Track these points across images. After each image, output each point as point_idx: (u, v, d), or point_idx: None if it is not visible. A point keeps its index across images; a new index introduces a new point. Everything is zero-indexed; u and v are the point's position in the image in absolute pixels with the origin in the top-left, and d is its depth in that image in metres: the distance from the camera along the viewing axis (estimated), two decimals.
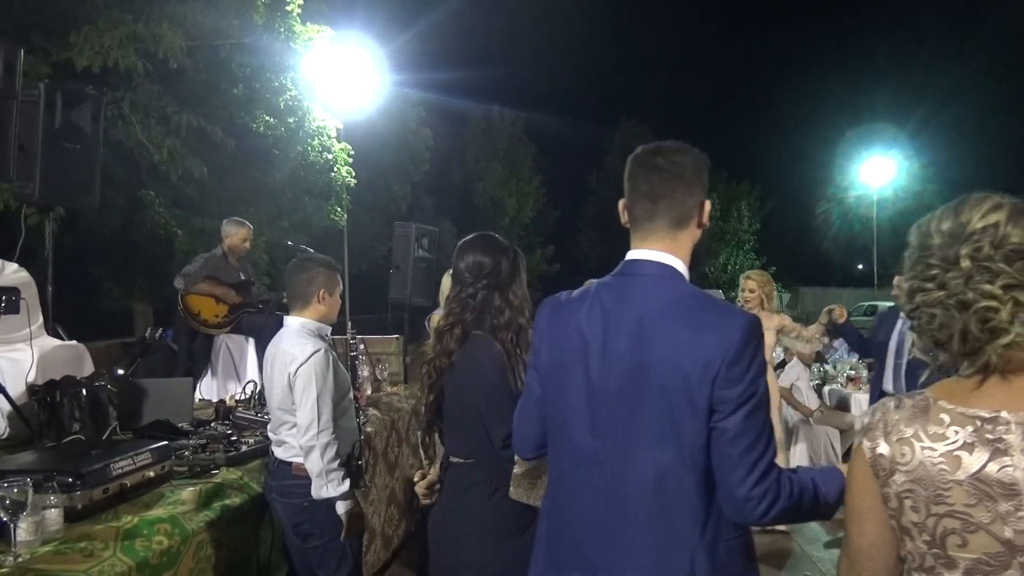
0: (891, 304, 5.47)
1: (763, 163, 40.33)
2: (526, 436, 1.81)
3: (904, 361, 4.68)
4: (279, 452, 2.88)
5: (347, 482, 2.80)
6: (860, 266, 39.07)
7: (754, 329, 1.54)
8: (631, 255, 1.69)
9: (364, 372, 4.55)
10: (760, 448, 1.49)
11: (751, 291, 5.35)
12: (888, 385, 4.82)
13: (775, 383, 5.48)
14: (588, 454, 1.60)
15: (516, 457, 2.00)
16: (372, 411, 4.41)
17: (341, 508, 2.79)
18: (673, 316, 1.56)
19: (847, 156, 35.46)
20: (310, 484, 2.76)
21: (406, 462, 5.03)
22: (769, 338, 5.14)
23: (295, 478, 2.80)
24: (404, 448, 5.03)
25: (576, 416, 1.62)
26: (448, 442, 2.31)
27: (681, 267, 1.65)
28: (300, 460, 2.78)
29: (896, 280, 5.01)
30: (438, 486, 2.34)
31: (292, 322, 2.95)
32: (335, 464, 2.75)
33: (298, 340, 2.85)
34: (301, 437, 2.73)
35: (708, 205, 1.70)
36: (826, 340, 5.73)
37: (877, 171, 32.98)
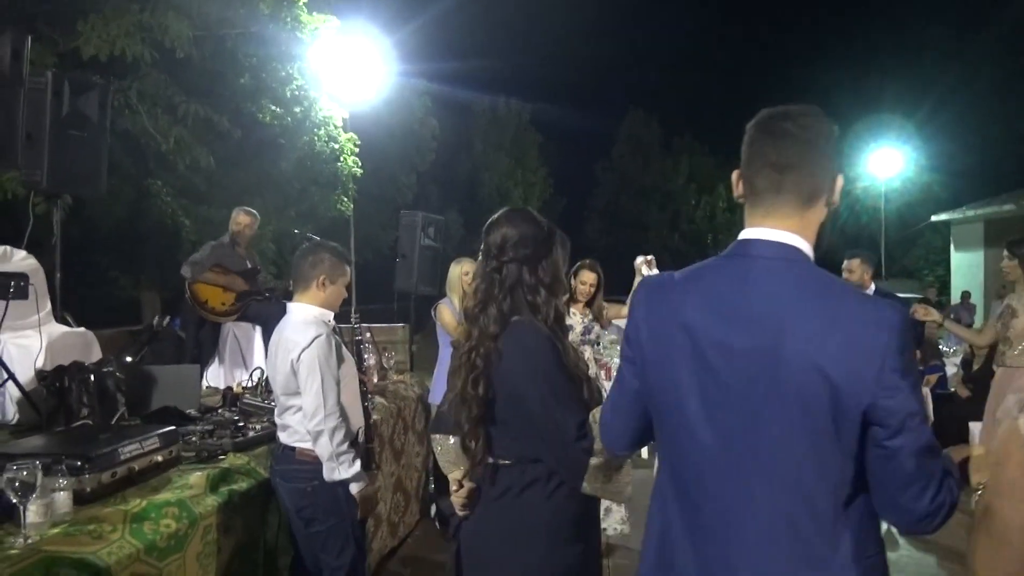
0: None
1: None
2: (621, 432, 1.65)
3: None
4: (283, 437, 2.90)
5: (358, 463, 2.81)
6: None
7: (907, 322, 1.33)
8: (748, 234, 1.47)
9: (371, 360, 4.55)
10: (936, 458, 1.32)
11: None
12: None
13: None
14: (705, 457, 1.42)
15: (594, 449, 1.86)
16: (379, 399, 4.42)
17: (355, 488, 2.81)
18: (805, 306, 1.35)
19: (855, 147, 35.29)
20: (313, 469, 2.77)
21: (412, 450, 5.05)
22: None
23: (299, 463, 2.81)
24: (410, 436, 5.05)
25: (692, 417, 1.42)
26: (495, 443, 2.03)
27: (808, 250, 1.45)
28: (304, 445, 2.80)
29: (847, 264, 5.05)
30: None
31: (294, 308, 2.95)
32: (345, 446, 2.76)
33: (300, 327, 2.85)
34: (309, 423, 2.74)
35: (841, 180, 1.50)
36: None
37: (885, 162, 32.79)
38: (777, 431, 1.33)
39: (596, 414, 1.87)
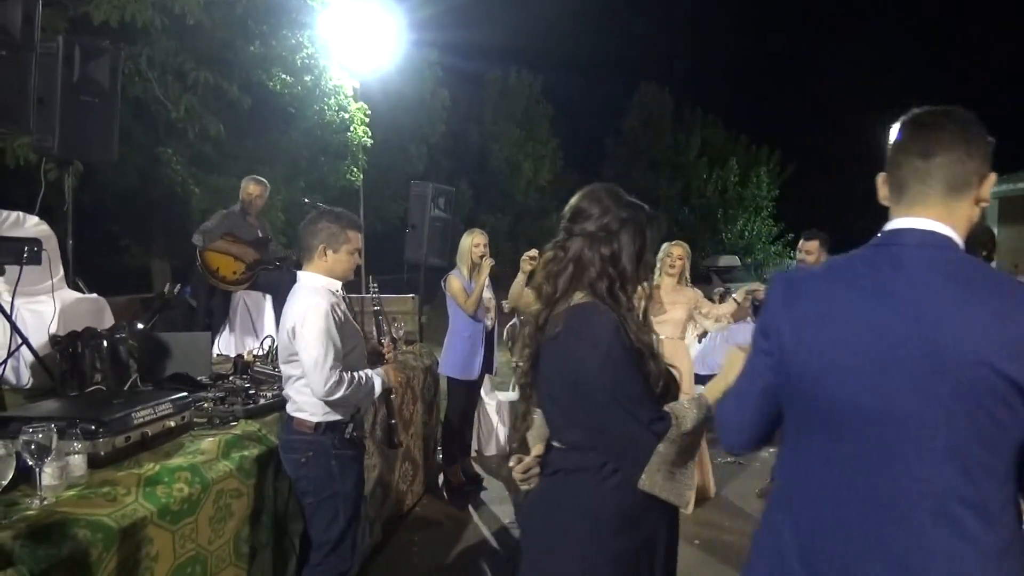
0: None
1: (783, 129, 39.78)
2: (745, 428, 1.58)
3: None
4: (288, 407, 2.93)
5: (357, 377, 2.88)
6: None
7: None
8: (894, 224, 1.45)
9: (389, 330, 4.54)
10: None
11: (680, 258, 4.98)
12: None
13: (686, 357, 5.18)
14: (857, 452, 1.37)
15: (660, 445, 1.78)
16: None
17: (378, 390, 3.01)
18: (962, 296, 1.32)
19: (871, 123, 34.91)
20: (308, 440, 2.83)
21: (420, 420, 5.09)
22: (681, 312, 5.02)
23: (296, 432, 2.85)
24: (419, 406, 5.09)
25: (844, 408, 1.37)
26: (550, 424, 1.99)
27: (958, 239, 1.40)
28: (300, 415, 2.84)
29: (803, 245, 5.05)
30: (536, 470, 2.07)
31: (301, 277, 2.97)
32: (338, 390, 2.77)
33: (301, 295, 2.87)
34: (309, 378, 2.75)
35: (993, 178, 1.44)
36: (745, 319, 5.44)
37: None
38: (939, 419, 1.30)
39: (674, 406, 1.84)
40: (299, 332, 2.76)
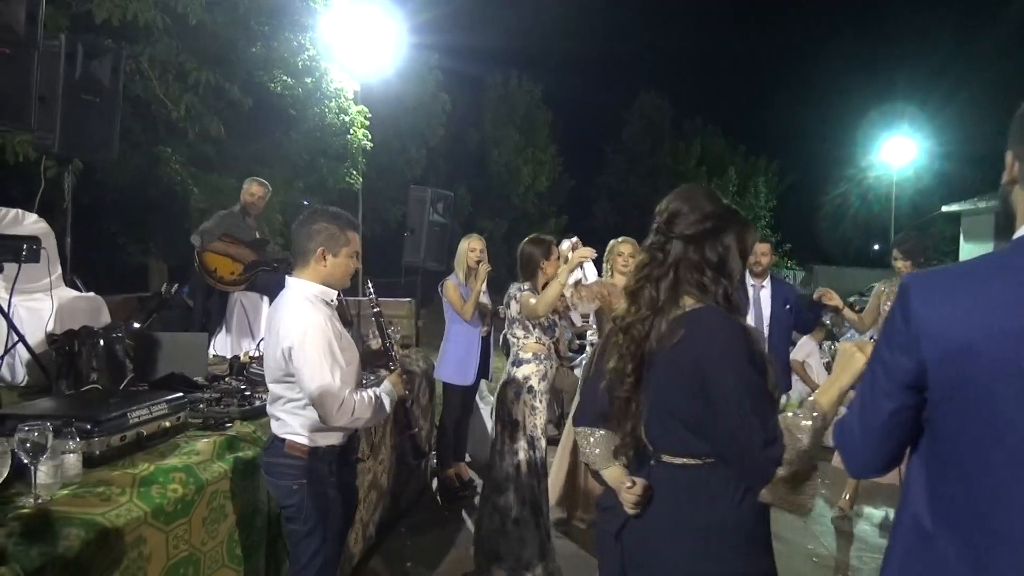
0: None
1: (782, 139, 39.95)
2: (877, 450, 1.42)
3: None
4: (274, 427, 2.64)
5: (373, 394, 2.61)
6: (876, 246, 38.76)
7: None
8: None
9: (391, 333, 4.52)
10: None
11: (631, 256, 4.68)
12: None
13: None
14: (1015, 465, 1.24)
15: (783, 459, 1.65)
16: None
17: (392, 398, 2.73)
18: None
19: (868, 135, 35.03)
20: (301, 466, 2.55)
21: (416, 423, 5.08)
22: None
23: (287, 456, 2.56)
24: (414, 409, 5.09)
25: (1000, 423, 1.24)
26: (661, 436, 1.83)
27: None
28: (294, 438, 2.57)
29: (760, 248, 5.07)
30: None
31: (291, 284, 2.62)
32: (356, 413, 2.51)
33: (294, 308, 2.52)
34: (318, 407, 2.47)
35: None
36: None
37: (898, 150, 32.57)
38: None
39: (788, 420, 1.68)
40: (298, 356, 2.44)
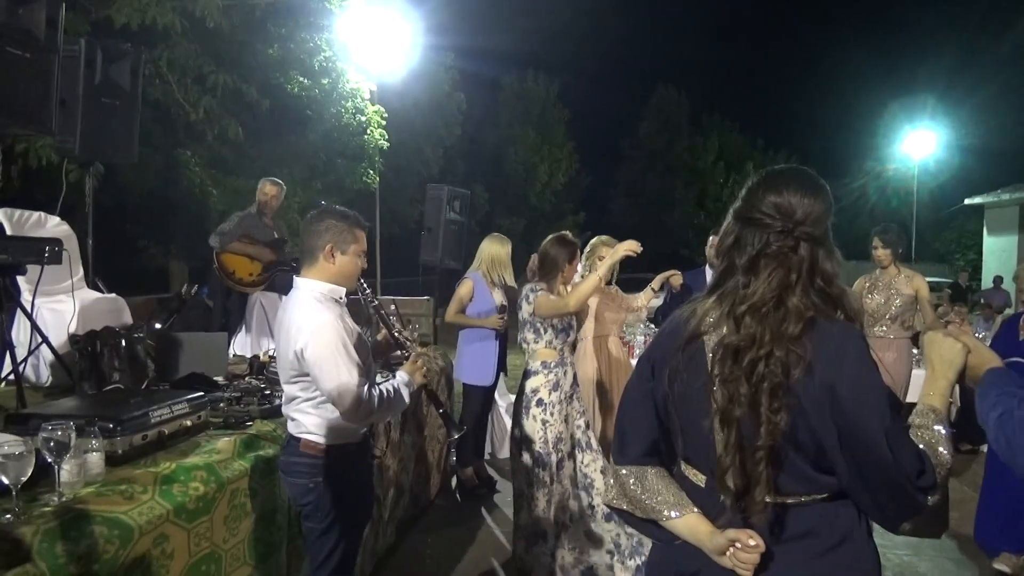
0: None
1: (801, 133, 39.60)
2: None
3: None
4: (290, 427, 2.65)
5: (389, 387, 2.63)
6: None
7: None
8: None
9: (397, 324, 4.53)
10: None
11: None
12: None
13: (588, 359, 4.85)
14: None
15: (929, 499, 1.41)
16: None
17: (410, 389, 2.74)
18: None
19: (889, 127, 34.66)
20: (318, 464, 2.55)
21: (435, 422, 5.09)
22: (621, 313, 4.95)
23: (302, 455, 2.57)
24: (432, 408, 5.10)
25: None
26: (784, 476, 1.47)
27: None
28: (309, 437, 2.56)
29: (712, 240, 5.04)
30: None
31: (299, 284, 2.61)
32: (373, 407, 2.51)
33: (304, 308, 2.51)
34: (338, 406, 2.46)
35: None
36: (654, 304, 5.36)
37: (919, 143, 32.20)
38: None
39: (922, 436, 1.45)
40: (312, 356, 2.43)
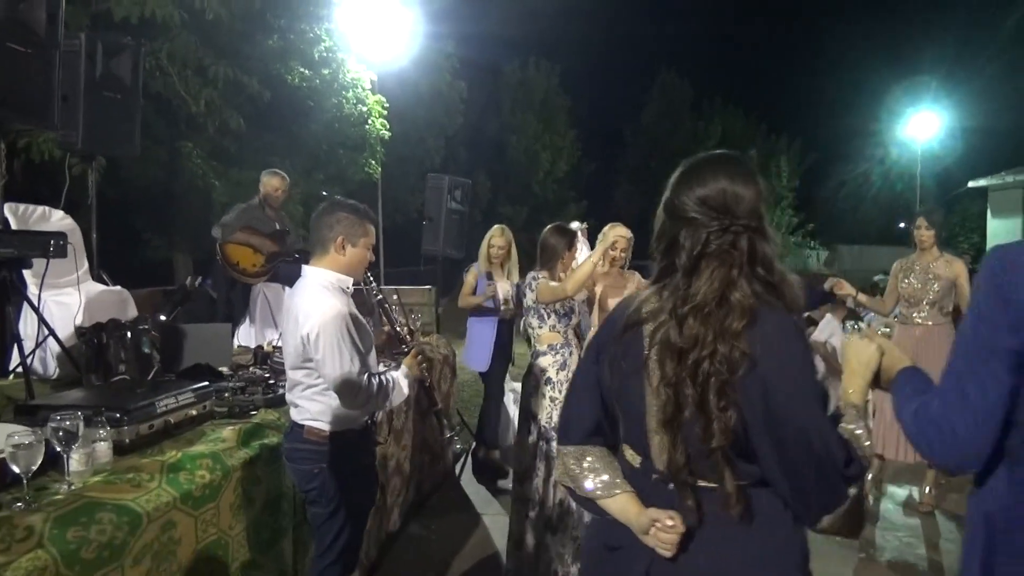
0: None
1: (804, 118, 39.44)
2: (985, 443, 1.32)
3: None
4: (293, 414, 2.70)
5: (389, 381, 2.69)
6: (901, 224, 38.26)
7: None
8: None
9: (400, 319, 4.59)
10: None
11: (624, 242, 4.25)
12: None
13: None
14: None
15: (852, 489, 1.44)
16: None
17: (406, 385, 2.79)
18: None
19: (892, 110, 34.50)
20: (321, 450, 2.61)
21: (439, 401, 5.13)
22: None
23: (306, 442, 2.62)
24: (434, 396, 5.14)
25: None
26: (695, 459, 1.50)
27: None
28: (313, 423, 2.62)
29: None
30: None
31: (308, 273, 2.68)
32: (371, 396, 2.59)
33: (312, 295, 2.57)
34: (339, 393, 2.53)
35: None
36: None
37: (923, 125, 32.04)
38: None
39: (847, 427, 1.48)
40: (318, 342, 2.49)
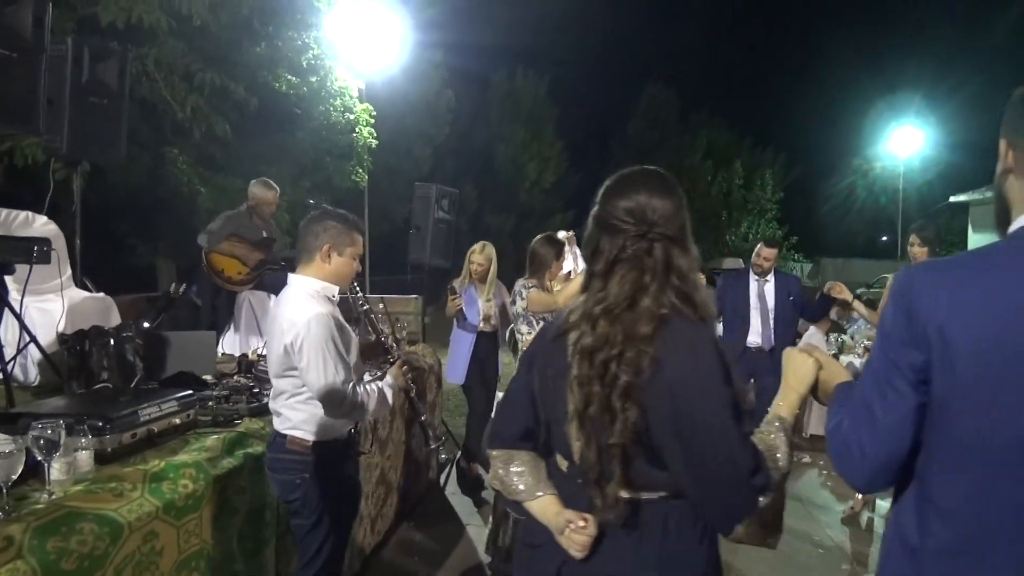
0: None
1: (789, 131, 39.79)
2: (889, 461, 1.32)
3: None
4: (276, 423, 2.67)
5: (373, 390, 2.66)
6: (884, 237, 38.63)
7: None
8: None
9: (386, 329, 4.59)
10: None
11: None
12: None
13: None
14: None
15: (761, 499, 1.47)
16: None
17: (390, 393, 2.77)
18: None
19: (874, 125, 34.91)
20: (304, 460, 2.59)
21: (424, 411, 5.12)
22: None
23: (289, 452, 2.60)
24: (419, 406, 5.12)
25: None
26: (636, 472, 1.52)
27: None
28: (296, 433, 2.60)
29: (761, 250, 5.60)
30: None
31: (294, 281, 2.67)
32: (353, 405, 2.56)
33: (298, 304, 2.55)
34: (323, 401, 2.52)
35: None
36: None
37: (905, 141, 32.42)
38: None
39: (761, 439, 1.53)
40: (302, 350, 2.48)
